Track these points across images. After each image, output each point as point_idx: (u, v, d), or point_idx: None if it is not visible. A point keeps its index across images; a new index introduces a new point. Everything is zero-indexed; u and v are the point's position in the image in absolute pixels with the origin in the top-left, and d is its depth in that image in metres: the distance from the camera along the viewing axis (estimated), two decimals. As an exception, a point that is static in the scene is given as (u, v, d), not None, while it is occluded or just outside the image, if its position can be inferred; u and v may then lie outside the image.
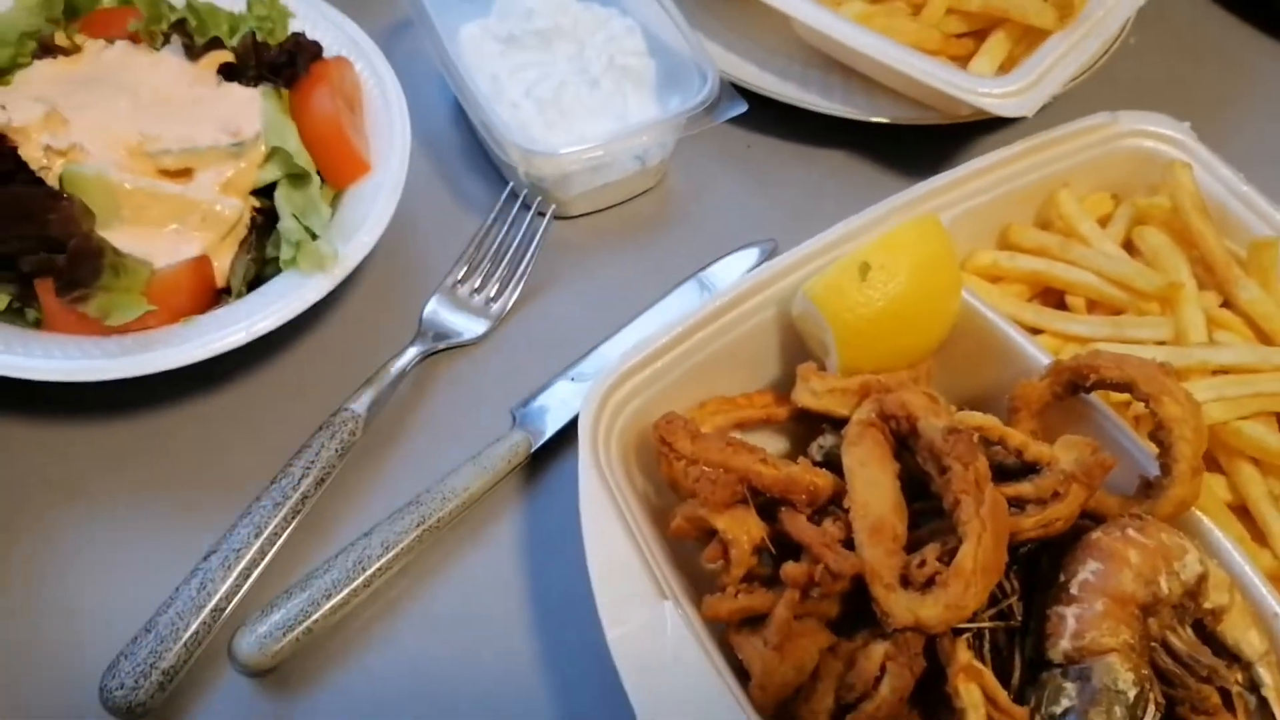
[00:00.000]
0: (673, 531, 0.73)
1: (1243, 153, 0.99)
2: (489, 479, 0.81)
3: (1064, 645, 0.68)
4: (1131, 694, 0.65)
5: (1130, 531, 0.71)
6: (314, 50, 0.91)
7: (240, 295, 0.82)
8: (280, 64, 0.89)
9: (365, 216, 0.85)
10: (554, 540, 0.81)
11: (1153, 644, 0.69)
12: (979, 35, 1.02)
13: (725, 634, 0.71)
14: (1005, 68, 0.99)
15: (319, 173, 0.87)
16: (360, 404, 0.82)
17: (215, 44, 0.90)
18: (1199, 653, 0.70)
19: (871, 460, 0.73)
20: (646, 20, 0.98)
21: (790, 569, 0.69)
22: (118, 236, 0.79)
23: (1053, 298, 0.92)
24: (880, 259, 0.79)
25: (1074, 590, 0.69)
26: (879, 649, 0.68)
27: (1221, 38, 1.21)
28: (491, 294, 0.92)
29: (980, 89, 0.94)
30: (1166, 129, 0.95)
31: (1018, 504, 0.72)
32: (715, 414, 0.81)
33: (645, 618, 0.68)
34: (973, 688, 0.67)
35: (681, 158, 1.00)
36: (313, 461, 0.79)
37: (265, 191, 0.86)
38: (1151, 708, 0.66)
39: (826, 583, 0.68)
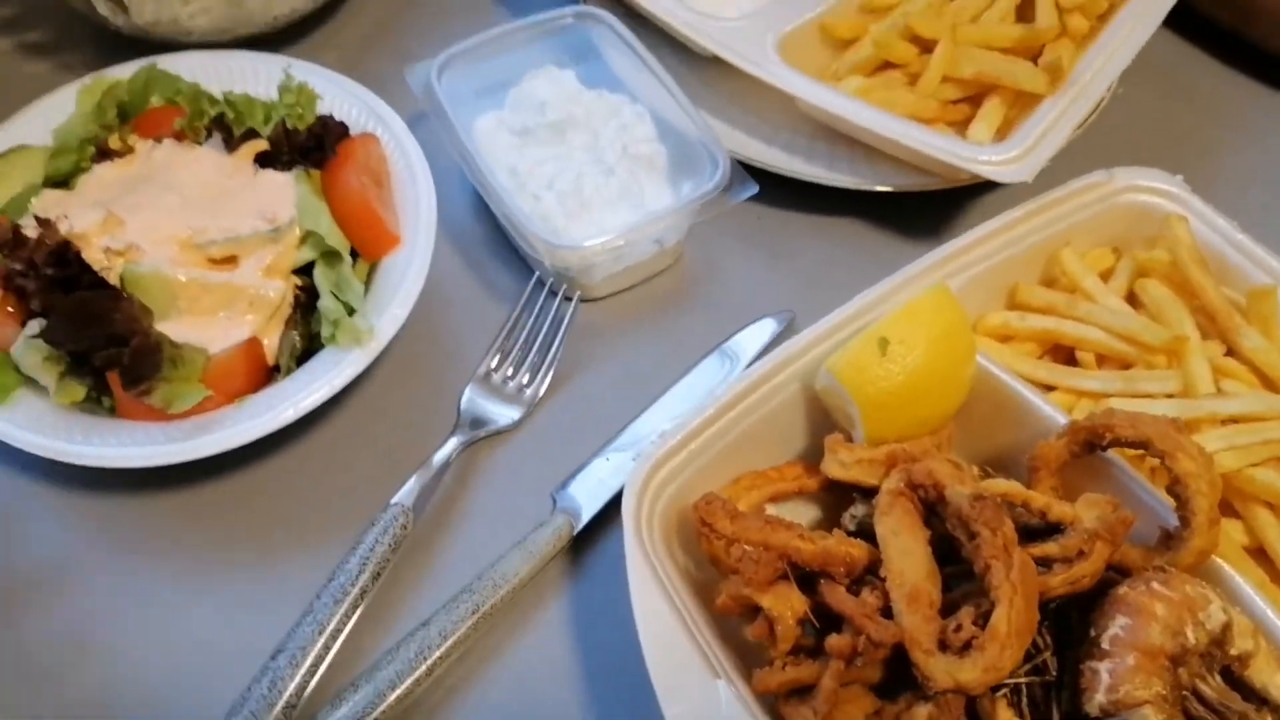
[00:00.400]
0: (719, 609, 0.77)
1: (1234, 197, 1.05)
2: (536, 564, 0.85)
3: (1099, 699, 0.71)
4: None
5: (1155, 585, 0.74)
6: (339, 131, 0.97)
7: (289, 371, 0.88)
8: (309, 148, 0.95)
9: (397, 289, 0.91)
10: (599, 620, 0.85)
11: (1184, 693, 0.72)
12: (974, 100, 1.07)
13: (775, 706, 0.75)
14: (1001, 131, 1.04)
15: (354, 248, 0.93)
16: (408, 496, 0.86)
17: (250, 134, 0.96)
18: (1229, 699, 0.73)
19: (903, 529, 0.77)
20: (654, 104, 1.03)
21: (834, 641, 0.73)
22: (175, 327, 0.86)
23: (1063, 354, 0.96)
24: (898, 333, 0.83)
25: (1105, 645, 0.73)
26: (922, 711, 0.72)
27: (1206, 83, 1.26)
28: (524, 380, 0.96)
29: (980, 157, 0.99)
30: (1160, 183, 0.99)
31: (1045, 563, 0.76)
32: (750, 489, 0.85)
33: (700, 696, 0.72)
34: None
35: (696, 234, 1.04)
36: (368, 557, 0.83)
37: (307, 269, 0.92)
38: None
39: (869, 652, 0.72)
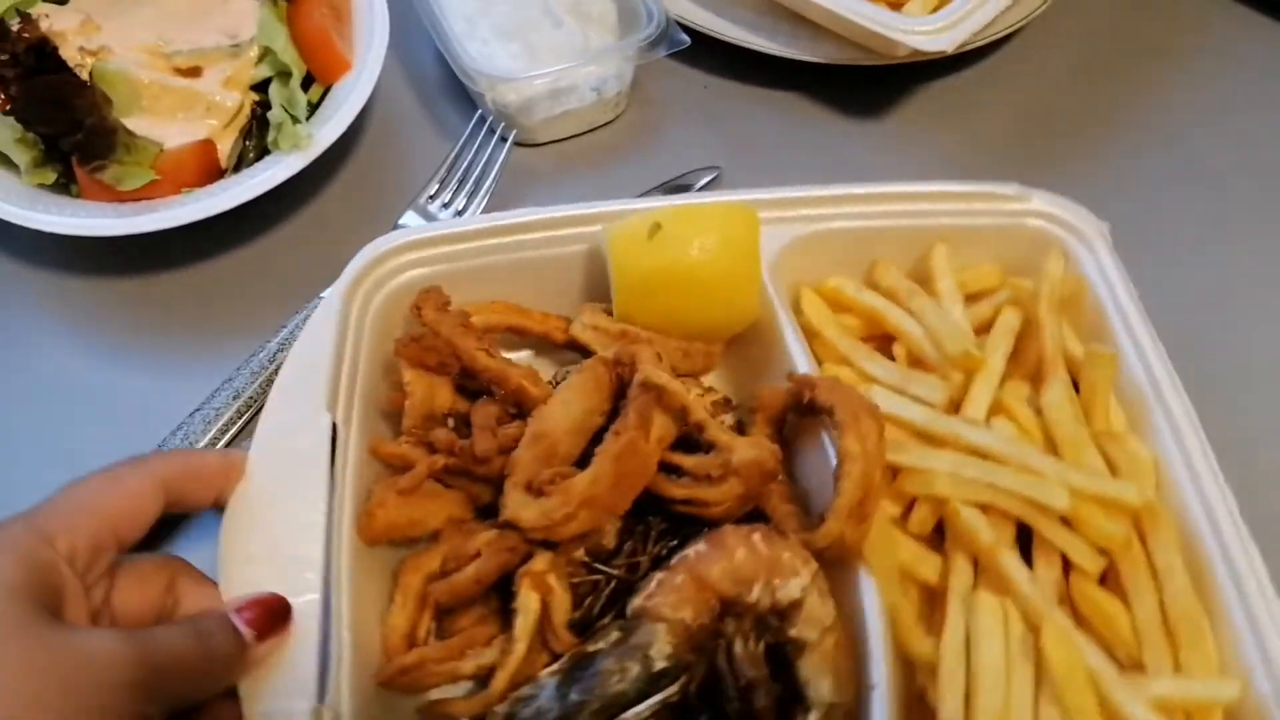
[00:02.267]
0: (387, 401, 0.82)
1: (1156, 109, 1.09)
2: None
3: (637, 602, 0.72)
4: (658, 665, 0.68)
5: (755, 536, 0.73)
6: None
7: (235, 174, 0.99)
8: None
9: (342, 105, 1.00)
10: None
11: (721, 639, 0.71)
12: None
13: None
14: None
15: (311, 72, 1.03)
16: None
17: None
18: (755, 668, 0.70)
19: (578, 388, 0.79)
20: None
21: (438, 433, 0.77)
22: (137, 123, 0.96)
23: (888, 346, 0.89)
24: (674, 225, 0.83)
25: (673, 560, 0.73)
26: (486, 535, 0.75)
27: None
28: (459, 208, 1.04)
29: (905, 26, 1.02)
30: (1078, 220, 0.89)
31: (677, 471, 0.76)
32: (497, 313, 0.88)
33: (304, 417, 0.76)
34: (534, 595, 0.72)
35: (641, 95, 1.09)
36: (287, 340, 0.92)
37: (266, 91, 1.02)
38: (675, 686, 0.68)
39: (465, 456, 0.76)
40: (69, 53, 0.98)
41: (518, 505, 0.73)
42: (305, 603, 0.69)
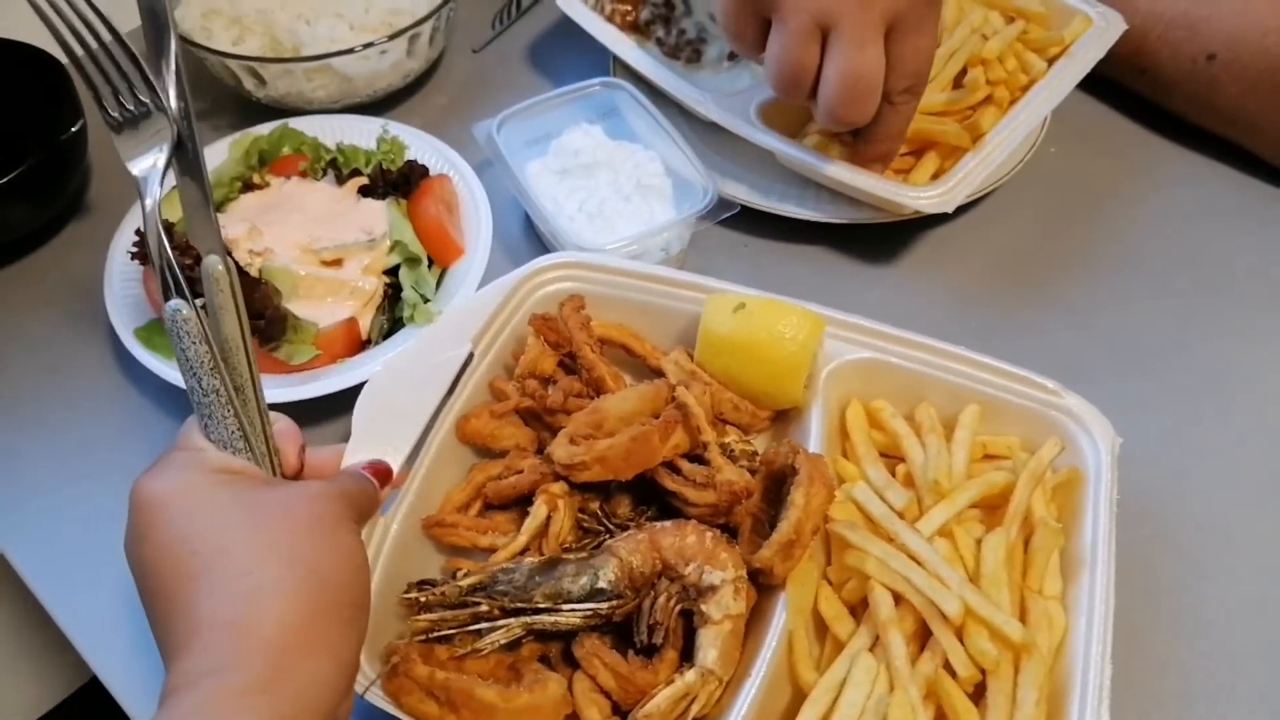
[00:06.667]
0: (511, 356, 1.07)
1: (1113, 240, 1.31)
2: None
3: (608, 541, 0.91)
4: (601, 584, 0.86)
5: (708, 534, 0.90)
6: (422, 171, 1.27)
7: (377, 344, 1.16)
8: (399, 183, 1.25)
9: (460, 285, 1.19)
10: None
11: (653, 590, 0.89)
12: (917, 154, 1.32)
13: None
14: (936, 176, 1.29)
15: (429, 257, 1.21)
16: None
17: (355, 173, 1.26)
18: (666, 618, 0.87)
19: (639, 392, 1.00)
20: (663, 152, 1.37)
21: (530, 383, 1.02)
22: (296, 306, 1.14)
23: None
24: (754, 308, 1.03)
25: (643, 523, 0.93)
26: (533, 461, 0.98)
27: (1129, 144, 1.45)
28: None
29: (911, 194, 1.25)
30: (1099, 430, 1.02)
31: (678, 471, 0.95)
32: (615, 329, 1.10)
33: (453, 341, 1.03)
34: (544, 507, 0.92)
35: (697, 254, 1.34)
36: None
37: (395, 271, 1.19)
38: (605, 605, 0.86)
39: (541, 403, 1.00)
40: (240, 255, 1.16)
41: (557, 446, 0.95)
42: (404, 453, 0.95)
